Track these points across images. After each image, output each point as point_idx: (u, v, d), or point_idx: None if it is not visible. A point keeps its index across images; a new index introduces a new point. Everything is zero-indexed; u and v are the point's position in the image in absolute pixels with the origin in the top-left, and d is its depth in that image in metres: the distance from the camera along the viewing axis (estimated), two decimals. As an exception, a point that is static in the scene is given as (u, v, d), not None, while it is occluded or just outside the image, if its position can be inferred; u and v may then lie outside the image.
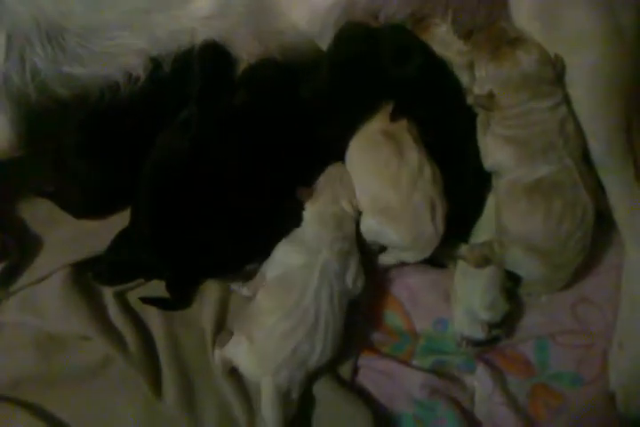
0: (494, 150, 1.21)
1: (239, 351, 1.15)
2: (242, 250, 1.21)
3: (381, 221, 1.19)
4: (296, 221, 1.22)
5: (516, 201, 1.18)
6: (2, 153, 1.17)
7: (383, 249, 1.24)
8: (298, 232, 1.22)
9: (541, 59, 1.20)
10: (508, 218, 1.19)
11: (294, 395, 1.14)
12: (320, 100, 1.24)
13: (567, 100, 1.20)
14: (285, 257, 1.19)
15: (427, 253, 1.18)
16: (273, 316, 1.14)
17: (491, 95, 1.22)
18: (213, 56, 1.25)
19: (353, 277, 1.18)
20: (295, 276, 1.17)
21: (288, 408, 1.13)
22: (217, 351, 1.18)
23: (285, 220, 1.23)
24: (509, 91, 1.20)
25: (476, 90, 1.25)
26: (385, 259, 1.25)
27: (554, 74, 1.20)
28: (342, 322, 1.16)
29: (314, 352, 1.13)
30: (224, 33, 1.23)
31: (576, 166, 1.18)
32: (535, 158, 1.18)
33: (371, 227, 1.20)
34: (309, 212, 1.22)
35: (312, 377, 1.17)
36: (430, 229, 1.17)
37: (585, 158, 1.21)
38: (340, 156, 1.26)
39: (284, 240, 1.21)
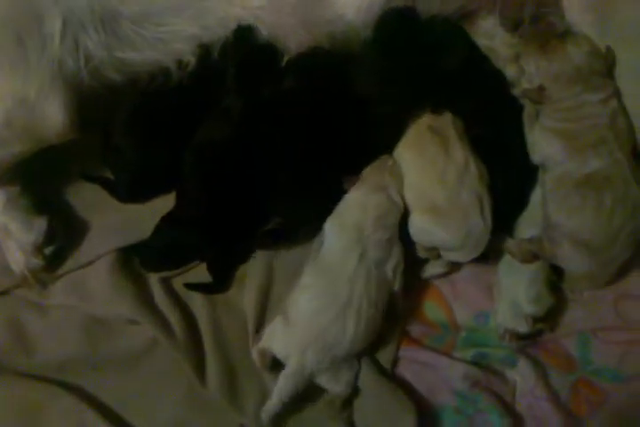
0: (543, 144, 1.20)
1: (274, 332, 1.15)
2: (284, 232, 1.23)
3: (431, 220, 1.18)
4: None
5: (566, 196, 1.17)
6: (56, 137, 1.18)
7: (427, 259, 1.24)
8: (339, 213, 1.21)
9: (592, 51, 1.20)
10: (557, 213, 1.18)
11: (320, 379, 1.13)
12: (370, 86, 1.24)
13: (618, 94, 1.20)
14: (329, 235, 1.19)
15: (479, 251, 1.18)
16: (307, 292, 1.15)
17: (541, 89, 1.21)
18: (245, 41, 1.25)
19: (393, 267, 1.18)
20: (335, 256, 1.17)
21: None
22: (255, 347, 1.17)
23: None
24: (562, 84, 1.20)
25: (526, 84, 1.24)
26: (432, 270, 1.25)
27: (605, 67, 1.20)
28: (380, 312, 1.16)
29: (344, 336, 1.12)
30: (273, 22, 1.23)
31: (627, 161, 1.17)
32: (585, 152, 1.17)
33: (420, 226, 1.19)
34: (352, 197, 1.22)
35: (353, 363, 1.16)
36: (480, 226, 1.16)
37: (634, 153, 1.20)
38: (389, 149, 1.26)
39: (329, 219, 1.21)
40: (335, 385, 1.15)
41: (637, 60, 1.18)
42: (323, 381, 1.14)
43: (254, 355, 1.17)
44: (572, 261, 1.17)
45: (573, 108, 1.19)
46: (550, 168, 1.20)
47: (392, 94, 1.23)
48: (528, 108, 1.25)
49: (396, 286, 1.19)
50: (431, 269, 1.25)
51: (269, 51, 1.26)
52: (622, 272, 1.23)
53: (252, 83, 1.26)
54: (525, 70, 1.25)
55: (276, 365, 1.16)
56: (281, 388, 1.12)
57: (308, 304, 1.14)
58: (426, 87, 1.24)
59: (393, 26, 1.25)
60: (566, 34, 1.22)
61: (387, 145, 1.26)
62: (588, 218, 1.16)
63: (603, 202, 1.15)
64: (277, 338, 1.15)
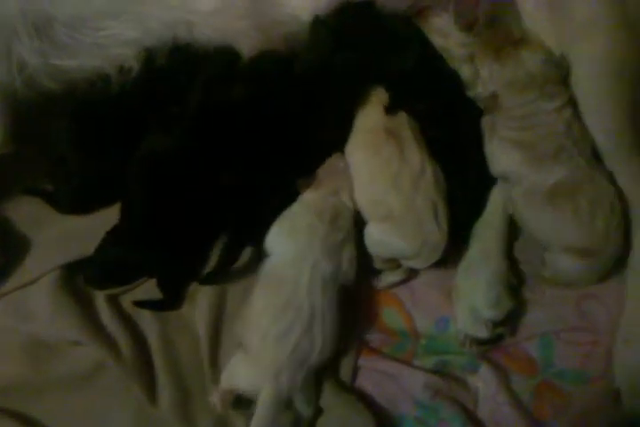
0: (501, 155, 1.20)
1: (236, 369, 1.11)
2: (235, 244, 1.20)
3: (386, 230, 1.16)
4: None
5: (541, 211, 1.17)
6: None
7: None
8: (289, 218, 1.18)
9: (547, 59, 1.19)
10: (539, 230, 1.18)
11: (297, 401, 1.10)
12: (315, 76, 1.21)
13: (573, 102, 1.19)
14: (274, 243, 1.16)
15: (435, 258, 1.16)
16: (265, 316, 1.11)
17: (495, 95, 1.20)
18: (225, 57, 1.23)
19: (345, 268, 1.15)
20: (285, 270, 1.14)
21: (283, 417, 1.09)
22: (215, 390, 1.12)
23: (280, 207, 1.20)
24: (515, 91, 1.19)
25: (481, 90, 1.23)
26: (389, 279, 1.22)
27: (560, 75, 1.19)
28: (339, 314, 1.13)
29: (314, 348, 1.10)
30: (224, 26, 1.20)
31: (588, 163, 1.17)
32: (544, 162, 1.17)
33: (377, 237, 1.17)
34: (306, 200, 1.19)
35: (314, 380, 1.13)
36: (436, 234, 1.14)
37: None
38: (339, 147, 1.23)
39: (275, 226, 1.18)
40: (309, 405, 1.12)
41: (592, 55, 1.17)
42: (299, 403, 1.11)
43: (215, 398, 1.11)
44: (576, 271, 1.17)
45: (528, 116, 1.18)
46: (515, 183, 1.19)
47: (334, 103, 1.21)
48: (486, 119, 1.23)
49: (349, 280, 1.16)
50: (388, 278, 1.23)
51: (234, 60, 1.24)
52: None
53: (212, 92, 1.22)
54: (481, 76, 1.24)
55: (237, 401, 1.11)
56: (260, 418, 1.07)
57: (272, 327, 1.10)
58: (378, 83, 1.22)
59: (349, 18, 1.22)
60: (522, 41, 1.21)
61: (336, 142, 1.23)
62: (572, 226, 1.15)
63: (579, 207, 1.15)
64: (241, 375, 1.10)
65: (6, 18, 1.10)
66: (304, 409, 1.11)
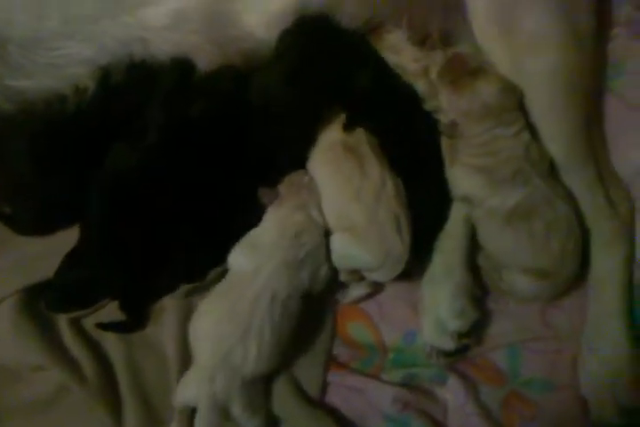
0: (463, 179, 1.20)
1: (185, 378, 1.11)
2: (199, 261, 1.20)
3: (350, 241, 1.16)
4: (254, 221, 1.20)
5: (500, 232, 1.18)
6: None
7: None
8: (252, 236, 1.18)
9: (503, 88, 1.20)
10: (497, 251, 1.20)
11: (235, 410, 1.09)
12: (273, 104, 1.20)
13: (529, 126, 1.20)
14: (235, 262, 1.17)
15: (398, 270, 1.16)
16: (207, 319, 1.12)
17: (454, 124, 1.21)
18: (180, 70, 1.21)
19: (310, 281, 1.15)
20: (238, 279, 1.15)
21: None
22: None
23: (244, 222, 1.20)
24: (472, 120, 1.20)
25: (442, 118, 1.24)
26: (354, 293, 1.23)
27: (516, 101, 1.20)
28: (286, 331, 1.13)
29: (248, 358, 1.09)
30: (178, 41, 1.19)
31: (545, 183, 1.18)
32: (503, 185, 1.18)
33: (340, 247, 1.17)
34: (272, 217, 1.19)
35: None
36: (398, 245, 1.14)
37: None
38: (300, 164, 1.23)
39: (240, 242, 1.18)
40: (252, 416, 1.10)
41: (542, 71, 1.18)
42: (238, 411, 1.09)
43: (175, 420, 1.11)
44: (531, 290, 1.18)
45: (487, 143, 1.19)
46: (476, 205, 1.20)
47: (294, 124, 1.21)
48: (445, 144, 1.24)
49: (316, 290, 1.17)
50: (352, 293, 1.22)
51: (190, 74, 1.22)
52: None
53: (171, 108, 1.21)
54: (440, 104, 1.24)
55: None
56: (200, 424, 1.07)
57: (211, 330, 1.11)
58: (335, 99, 1.22)
59: (305, 31, 1.22)
60: (478, 70, 1.22)
61: (296, 156, 1.23)
62: (527, 249, 1.17)
63: (534, 229, 1.16)
64: (188, 384, 1.10)
65: (-41, 39, 1.08)
66: (246, 420, 1.10)
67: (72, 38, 1.14)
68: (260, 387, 1.13)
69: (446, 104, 1.23)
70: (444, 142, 1.24)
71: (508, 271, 1.19)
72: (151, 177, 1.17)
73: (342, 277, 1.20)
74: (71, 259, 1.15)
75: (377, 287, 1.24)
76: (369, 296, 1.24)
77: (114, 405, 1.14)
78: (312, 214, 1.19)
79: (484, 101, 1.19)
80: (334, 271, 1.19)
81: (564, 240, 1.17)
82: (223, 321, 1.11)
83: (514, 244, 1.18)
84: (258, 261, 1.15)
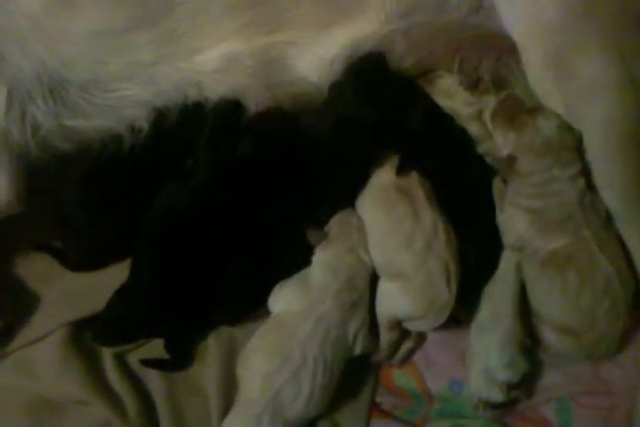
0: (515, 222, 1.18)
1: (230, 414, 1.10)
2: (244, 302, 1.19)
3: (396, 289, 1.14)
4: (304, 263, 1.19)
5: (536, 277, 1.16)
6: (1, 213, 1.14)
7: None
8: (304, 276, 1.18)
9: (561, 125, 1.18)
10: (531, 296, 1.17)
11: None
12: (324, 148, 1.21)
13: (586, 172, 1.17)
14: (286, 302, 1.15)
15: (441, 320, 1.13)
16: (257, 355, 1.11)
17: (511, 158, 1.19)
18: (228, 110, 1.23)
19: (354, 331, 1.13)
20: (290, 317, 1.13)
21: None
22: None
23: (294, 264, 1.20)
24: (532, 156, 1.18)
25: (498, 155, 1.23)
26: (403, 349, 1.20)
27: (575, 142, 1.18)
28: (335, 377, 1.11)
29: (298, 398, 1.08)
30: (232, 85, 1.21)
31: (594, 236, 1.14)
32: (551, 229, 1.15)
33: (385, 295, 1.16)
34: (320, 258, 1.18)
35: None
36: (445, 296, 1.12)
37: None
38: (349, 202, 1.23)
39: (289, 281, 1.17)
40: None
41: (599, 116, 1.15)
42: None
43: None
44: (560, 346, 1.15)
45: (542, 184, 1.17)
46: (522, 249, 1.18)
47: (345, 168, 1.21)
48: (496, 188, 1.23)
49: (357, 351, 1.14)
50: (402, 349, 1.20)
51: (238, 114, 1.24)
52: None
53: (220, 148, 1.23)
54: (496, 142, 1.23)
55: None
56: None
57: (261, 367, 1.09)
58: (389, 141, 1.22)
59: (366, 70, 1.22)
60: (536, 109, 1.21)
61: (347, 195, 1.23)
62: (557, 301, 1.13)
63: (567, 280, 1.13)
64: (234, 423, 1.09)
65: (21, 81, 1.12)
66: None
67: (130, 81, 1.18)
68: None
69: (502, 140, 1.21)
70: (496, 188, 1.23)
71: (539, 323, 1.16)
72: (201, 216, 1.18)
73: (383, 335, 1.17)
74: (121, 295, 1.16)
75: (424, 335, 1.22)
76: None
77: (155, 443, 1.14)
78: (362, 257, 1.17)
79: (546, 136, 1.18)
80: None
81: (598, 298, 1.12)
82: (275, 359, 1.09)
83: (546, 293, 1.14)
84: (309, 302, 1.14)
